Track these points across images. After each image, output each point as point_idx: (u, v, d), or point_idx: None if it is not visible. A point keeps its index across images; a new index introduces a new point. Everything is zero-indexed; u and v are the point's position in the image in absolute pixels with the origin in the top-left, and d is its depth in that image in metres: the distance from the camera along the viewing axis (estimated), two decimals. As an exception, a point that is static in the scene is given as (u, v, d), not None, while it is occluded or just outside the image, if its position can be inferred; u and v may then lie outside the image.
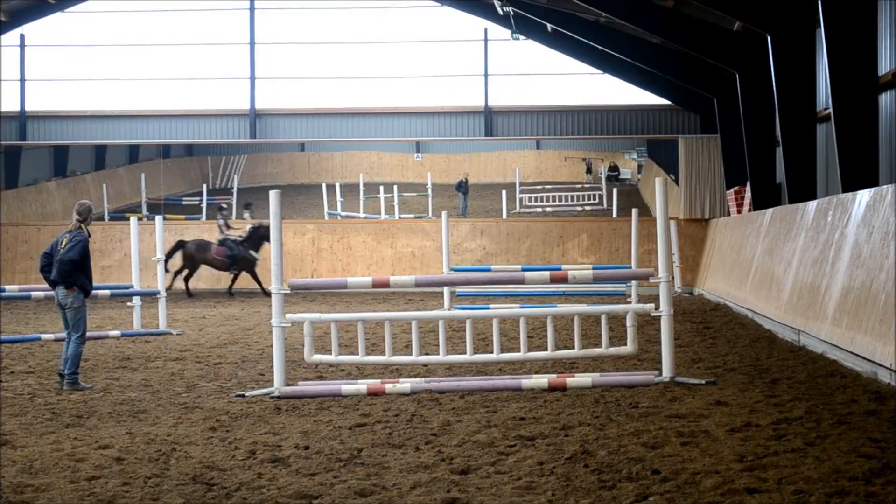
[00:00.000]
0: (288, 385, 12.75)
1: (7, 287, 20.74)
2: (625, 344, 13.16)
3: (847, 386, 11.70)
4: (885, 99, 19.23)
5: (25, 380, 14.41)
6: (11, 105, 35.18)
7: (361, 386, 12.58)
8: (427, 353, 14.77)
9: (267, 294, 28.07)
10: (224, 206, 36.84)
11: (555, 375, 12.88)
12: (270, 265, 12.89)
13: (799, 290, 17.03)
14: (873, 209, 13.74)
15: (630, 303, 22.64)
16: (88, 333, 15.65)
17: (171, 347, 18.12)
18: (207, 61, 35.43)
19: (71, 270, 13.84)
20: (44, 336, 19.30)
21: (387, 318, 13.64)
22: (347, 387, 12.58)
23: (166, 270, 26.16)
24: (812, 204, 17.91)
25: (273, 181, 61.22)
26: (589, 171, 62.44)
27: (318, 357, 13.45)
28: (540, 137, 39.02)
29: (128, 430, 10.35)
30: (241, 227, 32.91)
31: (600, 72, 34.30)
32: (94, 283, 14.58)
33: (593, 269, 23.90)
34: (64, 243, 13.95)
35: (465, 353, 13.42)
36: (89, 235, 14.17)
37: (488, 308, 22.29)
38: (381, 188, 47.01)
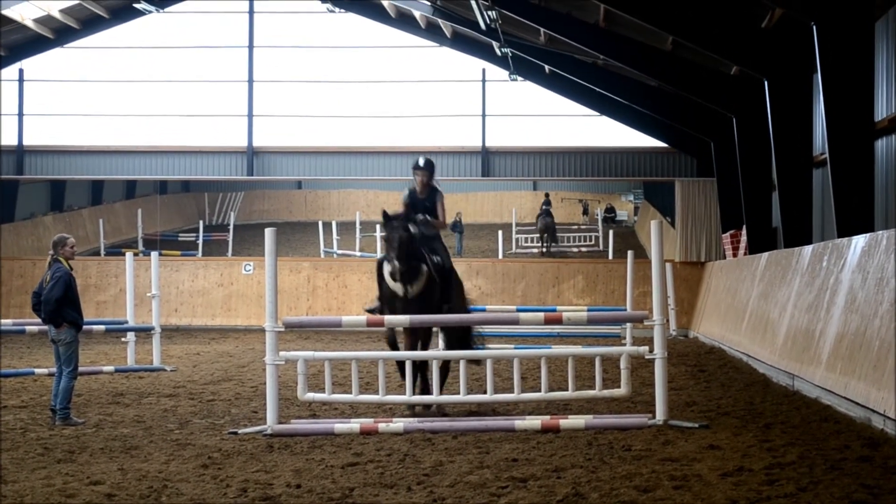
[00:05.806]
0: (281, 423, 12.72)
1: (2, 321, 20.69)
2: (618, 386, 13.15)
3: (841, 431, 11.68)
4: (881, 145, 19.30)
5: (18, 414, 14.37)
6: (9, 139, 35.25)
7: (354, 425, 12.56)
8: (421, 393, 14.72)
9: None
10: None
11: (548, 417, 12.86)
12: (265, 302, 12.87)
13: (793, 335, 17.03)
14: (868, 255, 13.76)
15: (624, 345, 22.61)
16: (82, 368, 15.63)
17: (165, 384, 18.08)
18: (206, 98, 35.51)
19: (56, 309, 13.82)
20: (37, 370, 19.23)
21: (381, 356, 13.64)
22: (340, 425, 12.56)
23: None
24: (807, 248, 17.92)
25: (270, 218, 61.23)
26: (585, 212, 62.53)
27: (311, 395, 13.44)
28: (537, 178, 39.06)
29: (119, 467, 10.32)
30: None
31: (598, 114, 34.38)
32: (89, 318, 14.57)
33: (588, 310, 23.90)
34: (47, 280, 13.96)
35: (458, 393, 13.41)
36: (71, 268, 14.14)
37: (483, 348, 22.26)
38: (378, 227, 47.04)
